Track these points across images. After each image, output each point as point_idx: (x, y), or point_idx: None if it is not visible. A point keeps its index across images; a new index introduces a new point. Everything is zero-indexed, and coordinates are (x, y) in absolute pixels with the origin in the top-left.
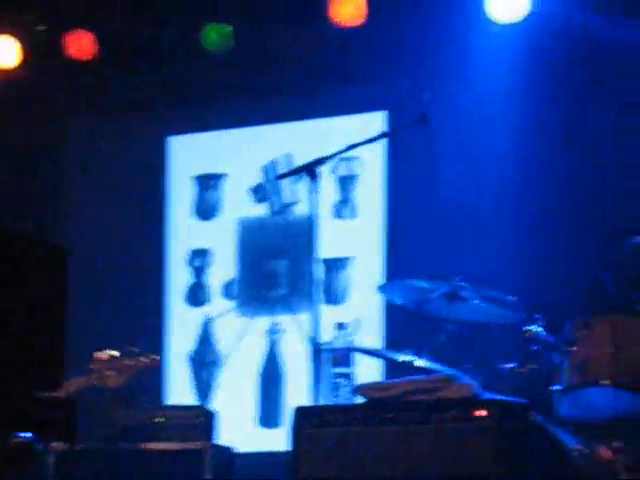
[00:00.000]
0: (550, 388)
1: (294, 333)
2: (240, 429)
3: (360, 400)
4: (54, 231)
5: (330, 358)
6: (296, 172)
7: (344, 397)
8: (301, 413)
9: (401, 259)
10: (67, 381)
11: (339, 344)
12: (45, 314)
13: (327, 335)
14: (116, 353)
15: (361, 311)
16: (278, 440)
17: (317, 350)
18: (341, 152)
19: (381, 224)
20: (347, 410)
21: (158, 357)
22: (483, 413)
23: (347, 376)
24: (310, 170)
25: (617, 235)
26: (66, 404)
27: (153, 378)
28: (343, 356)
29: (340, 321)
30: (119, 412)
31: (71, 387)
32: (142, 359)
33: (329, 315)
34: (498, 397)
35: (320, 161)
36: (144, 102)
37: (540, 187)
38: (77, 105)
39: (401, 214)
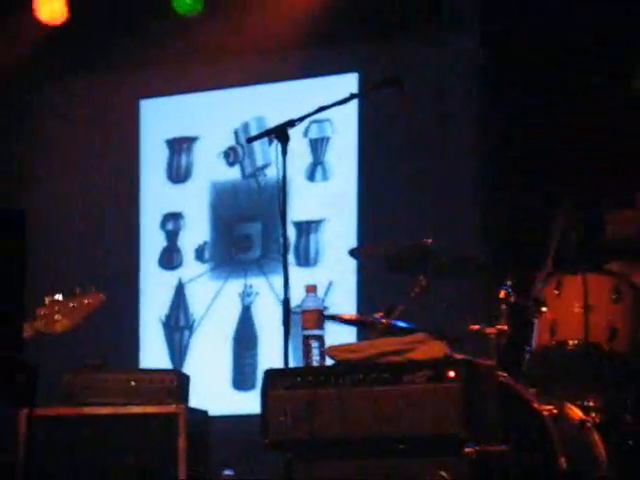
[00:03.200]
0: (520, 348)
1: (267, 296)
2: (214, 392)
3: (330, 362)
4: (27, 197)
5: (301, 321)
6: (266, 135)
7: (315, 359)
8: (270, 375)
9: (374, 221)
10: None
11: (309, 307)
12: (3, 275)
13: (299, 298)
14: (59, 297)
15: (334, 273)
16: (252, 403)
17: (287, 313)
18: (311, 114)
19: (354, 187)
20: (316, 372)
21: (103, 295)
22: (452, 374)
23: (319, 338)
24: (280, 133)
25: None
26: (26, 367)
27: (127, 342)
28: (314, 319)
29: (311, 283)
30: (90, 376)
31: None
32: (87, 299)
33: (302, 278)
34: (467, 358)
35: (290, 123)
36: (115, 66)
37: (510, 146)
38: (48, 70)
39: (373, 176)
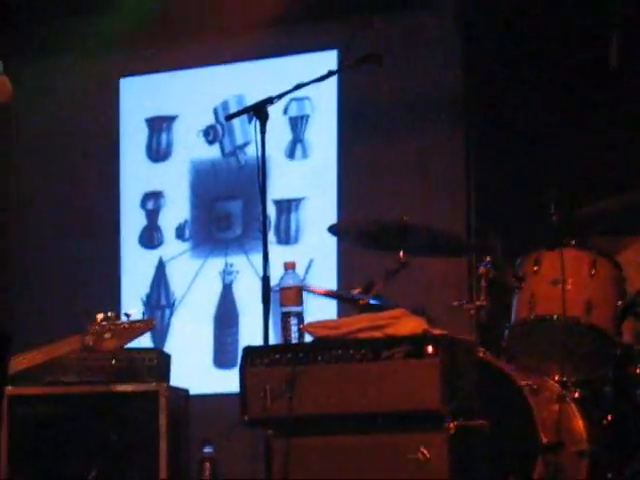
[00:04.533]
0: (500, 324)
1: (248, 274)
2: (196, 371)
3: (309, 339)
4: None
5: (279, 298)
6: (244, 112)
7: (294, 336)
8: (249, 353)
9: (353, 199)
10: (61, 340)
11: (288, 283)
12: None
13: (279, 276)
14: (111, 314)
15: (315, 251)
16: (233, 381)
17: (267, 290)
18: (289, 92)
19: (334, 164)
20: (295, 349)
21: (155, 320)
22: (431, 349)
23: (298, 315)
24: (259, 110)
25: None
26: None
27: None
28: (293, 295)
29: (286, 260)
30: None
31: (65, 347)
32: (139, 323)
33: (283, 256)
34: (446, 333)
35: (268, 101)
36: (95, 44)
37: (492, 123)
38: (26, 49)
39: (353, 154)
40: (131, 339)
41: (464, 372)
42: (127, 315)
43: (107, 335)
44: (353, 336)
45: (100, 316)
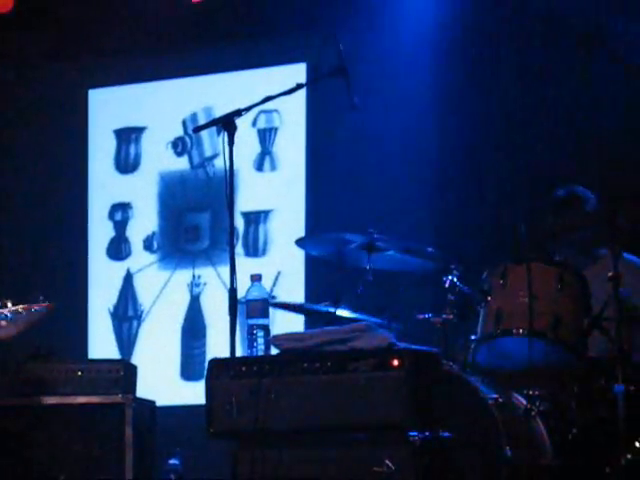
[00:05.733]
0: (466, 338)
1: (216, 286)
2: (163, 383)
3: (275, 351)
4: None
5: (246, 310)
6: (212, 124)
7: (260, 348)
8: (215, 365)
9: (321, 212)
10: None
11: (254, 296)
12: None
13: (246, 287)
14: (8, 302)
15: (282, 264)
16: (201, 393)
17: (234, 302)
18: (257, 104)
19: (302, 177)
20: (261, 361)
21: (52, 304)
22: (396, 363)
23: (264, 327)
24: (227, 122)
25: (537, 186)
26: None
27: (75, 332)
28: (258, 308)
29: (254, 272)
30: (37, 366)
31: None
32: (35, 307)
33: (250, 268)
34: (412, 347)
35: (236, 113)
36: (64, 55)
37: (459, 138)
38: None
39: (321, 167)
40: (29, 325)
41: (429, 385)
42: (23, 300)
43: (3, 323)
44: (319, 349)
45: None
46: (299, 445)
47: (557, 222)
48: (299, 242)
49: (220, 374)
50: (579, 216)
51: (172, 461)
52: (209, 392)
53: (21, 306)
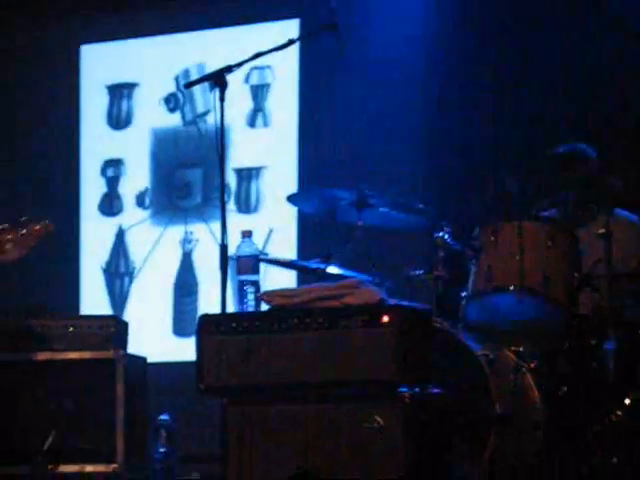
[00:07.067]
0: (457, 294)
1: (208, 242)
2: (155, 339)
3: (266, 307)
4: None
5: (236, 266)
6: (203, 80)
7: (250, 305)
8: (205, 321)
9: (313, 168)
10: None
11: (244, 252)
12: None
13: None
14: (7, 226)
15: (274, 220)
16: (192, 349)
17: (225, 258)
18: (248, 60)
19: (294, 133)
20: (251, 317)
21: (52, 224)
22: (386, 319)
23: (254, 284)
24: (218, 78)
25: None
26: None
27: (68, 288)
28: (249, 264)
29: (245, 229)
30: (29, 322)
31: None
32: (36, 226)
33: (243, 224)
34: (402, 303)
35: (227, 69)
36: (55, 11)
37: (451, 93)
38: None
39: (314, 123)
40: (33, 244)
41: (419, 342)
42: (21, 221)
43: (8, 246)
44: (309, 305)
45: None
46: (289, 401)
47: (557, 179)
48: (291, 199)
49: (210, 330)
50: (579, 174)
51: (162, 416)
52: (199, 348)
53: (22, 227)
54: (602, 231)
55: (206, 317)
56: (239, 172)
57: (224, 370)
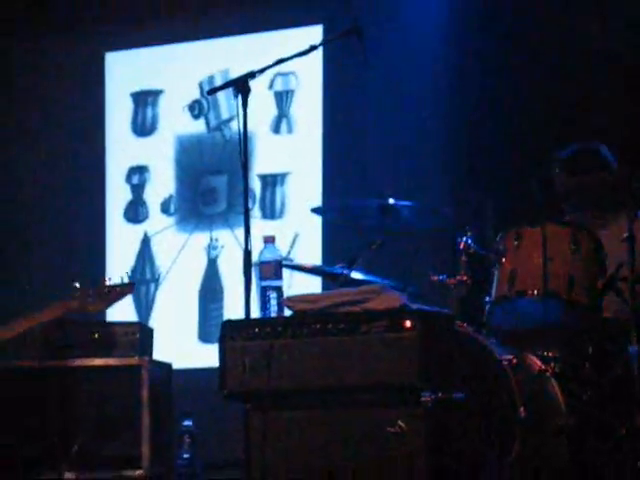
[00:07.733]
0: (481, 299)
1: (233, 249)
2: (181, 345)
3: (288, 313)
4: None
5: (259, 272)
6: (226, 86)
7: (273, 310)
8: (228, 327)
9: (338, 174)
10: (47, 306)
11: (267, 257)
12: None
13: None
14: (90, 287)
15: (299, 226)
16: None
17: (249, 264)
18: (271, 66)
19: (319, 139)
20: (274, 323)
21: (134, 282)
22: (409, 324)
23: (277, 289)
24: (240, 84)
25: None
26: None
27: None
28: (271, 269)
29: (268, 234)
30: (54, 329)
31: (50, 313)
32: (120, 287)
33: (267, 230)
34: (425, 308)
35: (250, 75)
36: (81, 19)
37: (474, 100)
38: (14, 25)
39: (338, 129)
40: (114, 301)
41: (442, 346)
42: (106, 280)
43: (90, 299)
44: (332, 310)
45: (79, 285)
46: (311, 406)
47: (574, 181)
48: (315, 210)
49: (233, 336)
50: (599, 176)
51: (186, 422)
52: (222, 353)
53: (106, 286)
54: (625, 235)
55: (229, 323)
56: (264, 178)
57: (246, 376)
